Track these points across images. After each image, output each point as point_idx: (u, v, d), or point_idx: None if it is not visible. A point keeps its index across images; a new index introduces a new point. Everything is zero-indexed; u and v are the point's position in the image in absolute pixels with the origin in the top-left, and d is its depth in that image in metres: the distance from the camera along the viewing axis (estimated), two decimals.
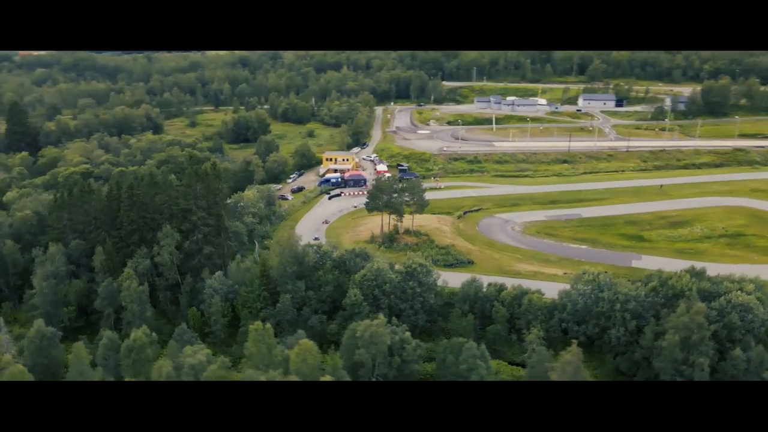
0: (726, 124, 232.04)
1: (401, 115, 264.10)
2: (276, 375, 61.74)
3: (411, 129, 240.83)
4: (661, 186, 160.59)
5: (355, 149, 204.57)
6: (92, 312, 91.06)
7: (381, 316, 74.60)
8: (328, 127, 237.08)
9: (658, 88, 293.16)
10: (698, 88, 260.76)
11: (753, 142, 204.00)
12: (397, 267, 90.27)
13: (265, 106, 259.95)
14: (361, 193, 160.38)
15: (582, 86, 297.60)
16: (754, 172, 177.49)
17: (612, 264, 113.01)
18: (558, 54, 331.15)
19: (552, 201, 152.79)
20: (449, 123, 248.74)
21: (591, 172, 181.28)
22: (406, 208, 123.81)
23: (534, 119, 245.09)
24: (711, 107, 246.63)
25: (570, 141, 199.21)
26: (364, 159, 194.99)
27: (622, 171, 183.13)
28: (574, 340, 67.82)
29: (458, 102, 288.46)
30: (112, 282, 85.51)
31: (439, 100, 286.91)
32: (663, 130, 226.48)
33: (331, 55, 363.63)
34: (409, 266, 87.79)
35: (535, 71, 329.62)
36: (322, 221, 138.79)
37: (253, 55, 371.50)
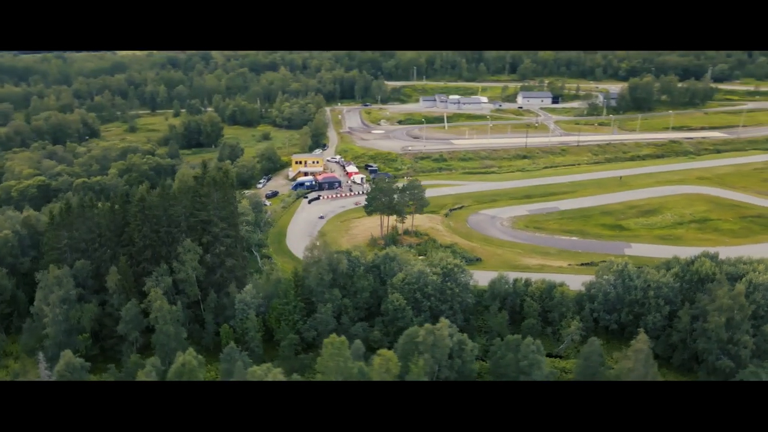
0: (653, 118, 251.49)
1: (350, 115, 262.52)
2: None
3: (364, 129, 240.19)
4: (621, 177, 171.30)
5: (317, 151, 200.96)
6: (105, 338, 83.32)
7: (443, 319, 74.18)
8: (282, 129, 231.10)
9: (587, 85, 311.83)
10: (625, 84, 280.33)
11: (683, 134, 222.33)
12: (430, 269, 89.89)
13: (208, 109, 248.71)
14: (339, 195, 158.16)
15: (517, 84, 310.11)
16: (692, 162, 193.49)
17: (606, 253, 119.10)
18: (491, 54, 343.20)
19: (527, 195, 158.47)
20: (400, 122, 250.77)
21: (551, 167, 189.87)
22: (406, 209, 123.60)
23: (481, 117, 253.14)
24: (638, 103, 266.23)
25: (527, 137, 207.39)
26: (328, 161, 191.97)
27: (578, 164, 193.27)
28: (640, 329, 70.90)
29: (402, 101, 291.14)
30: (138, 303, 78.65)
31: (383, 100, 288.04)
32: (601, 125, 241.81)
33: (263, 55, 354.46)
34: (446, 266, 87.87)
35: (470, 70, 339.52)
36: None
37: (181, 54, 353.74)
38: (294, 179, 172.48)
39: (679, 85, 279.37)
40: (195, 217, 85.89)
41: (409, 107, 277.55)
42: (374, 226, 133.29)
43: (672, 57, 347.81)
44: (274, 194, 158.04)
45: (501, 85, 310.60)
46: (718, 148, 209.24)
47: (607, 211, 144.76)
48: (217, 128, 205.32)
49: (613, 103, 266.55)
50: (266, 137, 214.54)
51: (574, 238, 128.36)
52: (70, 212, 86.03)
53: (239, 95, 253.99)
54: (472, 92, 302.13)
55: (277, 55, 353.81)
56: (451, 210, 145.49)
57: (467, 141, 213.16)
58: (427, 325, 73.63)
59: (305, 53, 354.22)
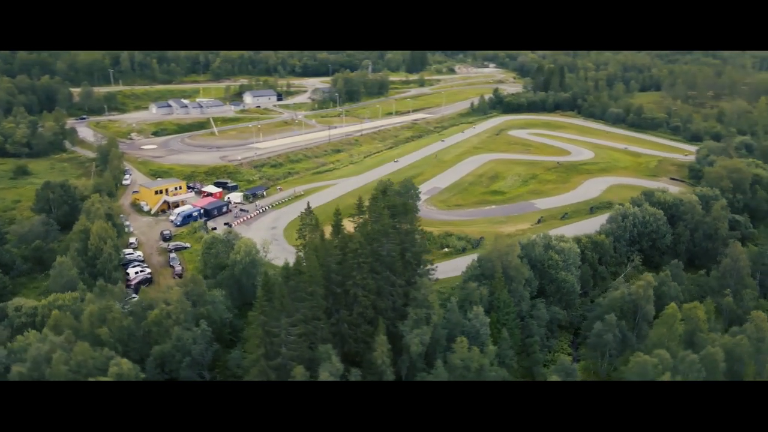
0: (365, 107, 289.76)
1: (81, 131, 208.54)
2: None
3: (124, 146, 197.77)
4: (436, 156, 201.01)
5: (126, 178, 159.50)
6: None
7: (648, 274, 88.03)
8: (26, 159, 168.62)
9: (296, 81, 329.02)
10: (328, 79, 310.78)
11: (416, 116, 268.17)
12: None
13: None
14: (247, 217, 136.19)
15: (212, 85, 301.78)
16: (445, 138, 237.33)
17: (530, 212, 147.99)
18: (180, 53, 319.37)
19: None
20: (155, 134, 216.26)
21: (368, 155, 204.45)
22: None
23: (236, 119, 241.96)
24: (350, 95, 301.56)
25: (330, 129, 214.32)
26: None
27: (380, 151, 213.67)
28: (732, 240, 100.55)
29: (122, 110, 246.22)
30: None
31: (99, 110, 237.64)
32: (345, 115, 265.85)
33: None
34: (561, 239, 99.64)
35: (163, 71, 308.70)
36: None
37: None
38: (157, 214, 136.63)
39: (370, 77, 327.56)
40: (408, 251, 71.73)
41: (140, 116, 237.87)
42: None
43: (323, 54, 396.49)
44: (170, 236, 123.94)
45: (227, 85, 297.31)
46: (442, 126, 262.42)
47: (472, 182, 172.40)
48: None
49: (336, 96, 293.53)
50: (25, 171, 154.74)
51: (494, 206, 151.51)
52: (271, 291, 59.40)
53: None
54: (189, 95, 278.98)
55: None
56: None
57: (269, 143, 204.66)
58: (639, 282, 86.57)
59: None
